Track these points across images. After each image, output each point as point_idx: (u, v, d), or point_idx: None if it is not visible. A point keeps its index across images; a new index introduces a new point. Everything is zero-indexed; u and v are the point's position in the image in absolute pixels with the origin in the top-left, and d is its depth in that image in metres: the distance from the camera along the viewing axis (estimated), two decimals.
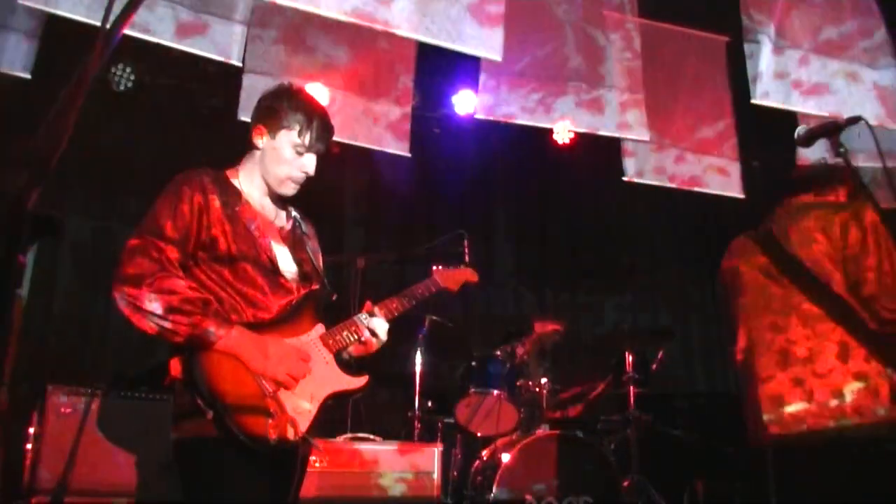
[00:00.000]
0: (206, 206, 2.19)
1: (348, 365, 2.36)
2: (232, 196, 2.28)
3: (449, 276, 2.74)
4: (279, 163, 2.32)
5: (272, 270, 2.25)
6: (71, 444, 3.65)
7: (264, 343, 2.12)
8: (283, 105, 2.33)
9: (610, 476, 4.30)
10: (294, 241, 2.41)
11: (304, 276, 2.35)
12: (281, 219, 2.43)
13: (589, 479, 4.26)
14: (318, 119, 2.35)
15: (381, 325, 2.39)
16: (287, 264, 2.33)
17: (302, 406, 2.15)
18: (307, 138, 2.32)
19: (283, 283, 2.27)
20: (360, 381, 2.32)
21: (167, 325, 2.00)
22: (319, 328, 2.31)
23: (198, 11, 4.55)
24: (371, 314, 2.40)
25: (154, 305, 2.00)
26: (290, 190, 2.37)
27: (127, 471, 3.71)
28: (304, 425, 2.13)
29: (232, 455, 2.02)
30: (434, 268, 2.70)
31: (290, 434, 2.08)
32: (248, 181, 2.35)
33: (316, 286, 2.37)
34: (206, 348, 2.03)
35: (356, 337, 2.36)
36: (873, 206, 2.41)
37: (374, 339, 2.39)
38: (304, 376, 2.17)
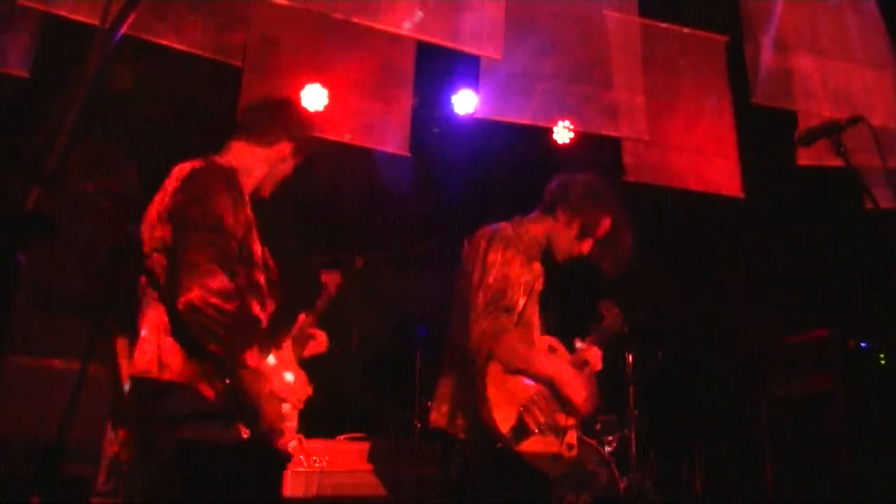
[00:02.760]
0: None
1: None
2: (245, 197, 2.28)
3: (333, 282, 2.91)
4: (283, 169, 2.40)
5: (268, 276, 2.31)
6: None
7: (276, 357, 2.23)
8: (293, 115, 2.43)
9: (610, 476, 4.30)
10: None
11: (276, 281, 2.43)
12: None
13: (589, 479, 4.26)
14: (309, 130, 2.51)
15: (320, 335, 2.67)
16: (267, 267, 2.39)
17: (287, 409, 2.25)
18: (302, 150, 2.45)
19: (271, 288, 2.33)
20: (310, 387, 2.46)
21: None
22: (289, 341, 2.49)
23: (196, 11, 4.55)
24: (310, 324, 2.66)
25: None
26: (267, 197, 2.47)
27: None
28: (293, 428, 2.25)
29: (232, 456, 2.05)
30: (323, 276, 2.92)
31: (293, 449, 2.20)
32: (245, 179, 2.29)
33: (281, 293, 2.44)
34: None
35: (307, 346, 2.61)
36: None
37: (316, 346, 2.65)
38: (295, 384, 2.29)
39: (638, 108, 5.35)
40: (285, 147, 2.36)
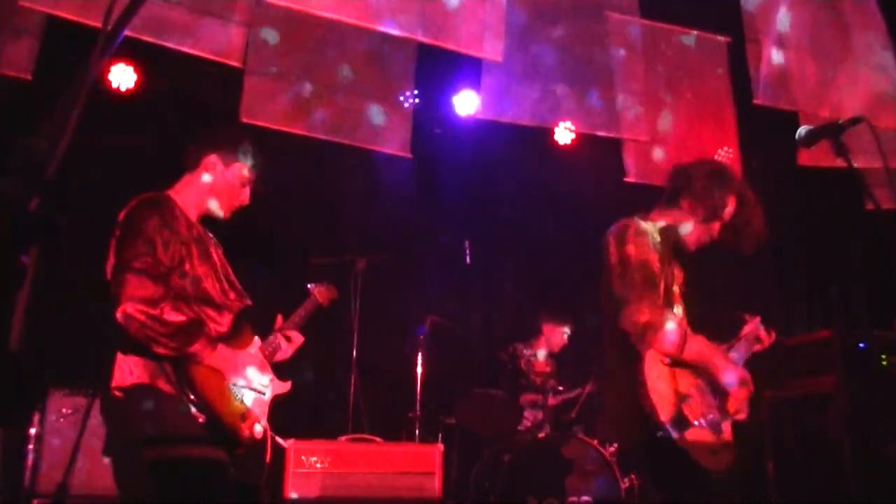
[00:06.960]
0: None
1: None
2: (183, 219, 2.46)
3: (322, 293, 2.95)
4: (231, 192, 2.56)
5: (223, 288, 2.49)
6: (72, 446, 3.64)
7: (235, 355, 2.38)
8: (238, 138, 2.60)
9: (610, 476, 4.30)
10: (222, 260, 2.60)
11: (238, 293, 2.55)
12: (210, 238, 2.61)
13: (589, 479, 4.26)
14: (260, 156, 2.62)
15: (295, 336, 2.71)
16: (227, 281, 2.55)
17: (251, 403, 2.42)
18: (254, 173, 2.60)
19: (228, 299, 2.49)
20: (288, 386, 2.60)
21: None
22: (257, 341, 2.54)
23: (198, 12, 4.55)
24: (285, 326, 2.71)
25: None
26: (226, 216, 2.60)
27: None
28: (258, 417, 2.40)
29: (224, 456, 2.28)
30: (309, 286, 2.94)
31: (258, 433, 2.38)
32: (188, 204, 2.50)
33: (247, 301, 2.57)
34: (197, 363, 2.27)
35: (280, 347, 2.64)
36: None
37: (290, 348, 2.68)
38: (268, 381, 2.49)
39: (639, 109, 5.35)
40: (223, 171, 2.56)
